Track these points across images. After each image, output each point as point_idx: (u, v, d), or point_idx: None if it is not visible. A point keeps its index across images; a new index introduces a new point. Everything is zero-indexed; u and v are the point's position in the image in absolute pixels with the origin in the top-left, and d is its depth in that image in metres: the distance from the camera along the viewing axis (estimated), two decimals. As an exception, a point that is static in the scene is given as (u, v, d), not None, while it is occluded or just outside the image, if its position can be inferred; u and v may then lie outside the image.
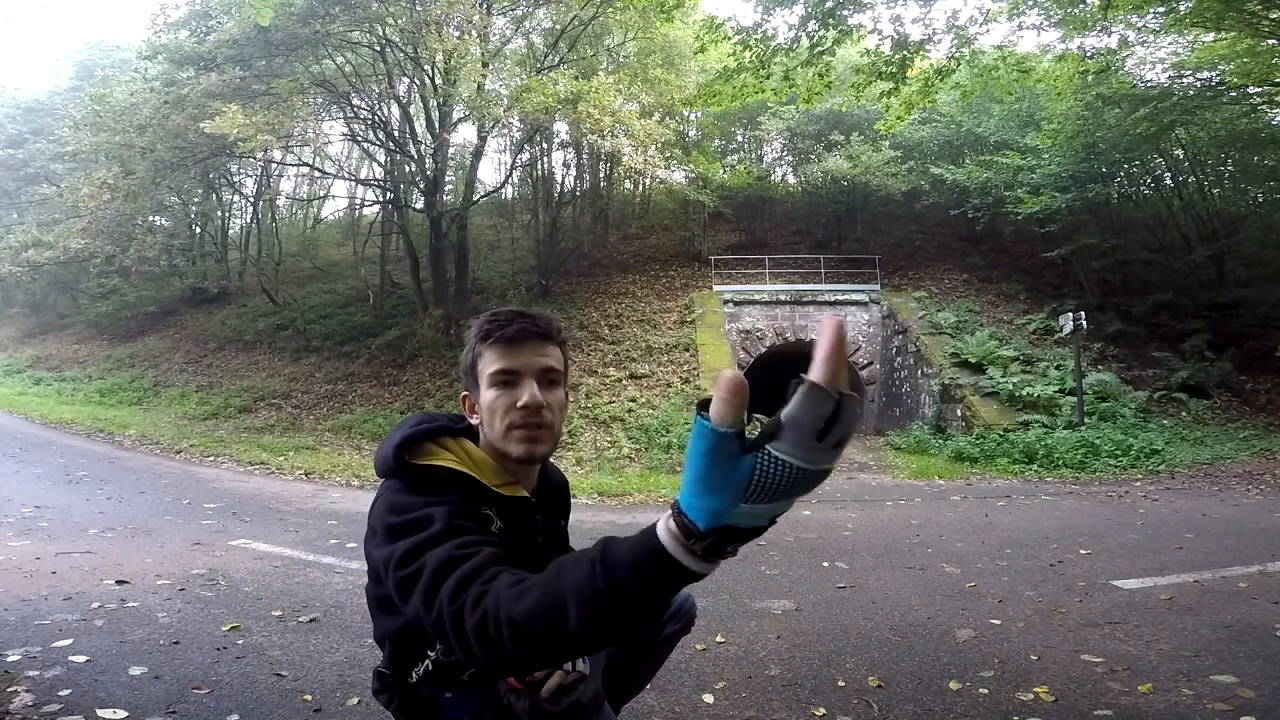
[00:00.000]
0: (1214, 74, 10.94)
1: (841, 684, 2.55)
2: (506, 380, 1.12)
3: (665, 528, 0.69)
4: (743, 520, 0.64)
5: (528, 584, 0.79)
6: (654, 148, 14.07)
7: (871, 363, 14.28)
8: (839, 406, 0.58)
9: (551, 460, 1.32)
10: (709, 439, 0.62)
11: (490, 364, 1.13)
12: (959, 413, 10.82)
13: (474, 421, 1.19)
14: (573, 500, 1.59)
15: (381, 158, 18.59)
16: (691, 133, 20.58)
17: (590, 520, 5.73)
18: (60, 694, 2.32)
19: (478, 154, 17.11)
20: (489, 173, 27.09)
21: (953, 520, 5.71)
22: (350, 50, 14.83)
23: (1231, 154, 13.68)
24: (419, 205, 16.40)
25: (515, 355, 1.12)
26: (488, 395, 1.13)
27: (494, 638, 0.78)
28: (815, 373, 0.59)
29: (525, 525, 1.18)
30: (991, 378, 10.83)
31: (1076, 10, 7.98)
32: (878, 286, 14.85)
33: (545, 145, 19.86)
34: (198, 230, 22.76)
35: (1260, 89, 10.81)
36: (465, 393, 1.21)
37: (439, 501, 1.02)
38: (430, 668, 1.15)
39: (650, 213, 21.26)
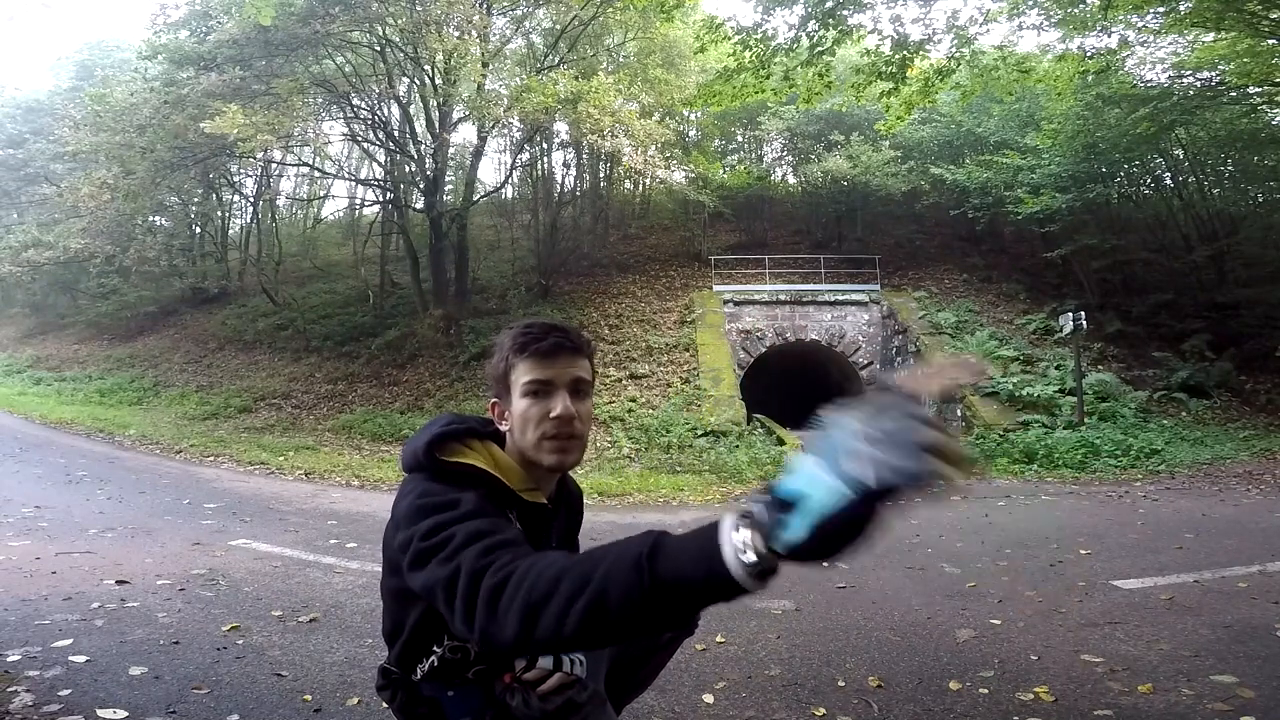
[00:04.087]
0: (1214, 74, 10.92)
1: (841, 684, 2.55)
2: (539, 390, 1.16)
3: (735, 552, 0.68)
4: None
5: (562, 562, 0.81)
6: (654, 148, 14.07)
7: (871, 363, 14.27)
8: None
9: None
10: None
11: (524, 374, 1.16)
12: (959, 413, 10.81)
13: (502, 428, 1.22)
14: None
15: (381, 158, 18.59)
16: (691, 133, 20.58)
17: (590, 520, 5.68)
18: (60, 694, 2.32)
19: (478, 154, 17.11)
20: (489, 173, 27.11)
21: (953, 520, 5.71)
22: (350, 50, 14.82)
23: (1231, 154, 13.67)
24: (419, 205, 16.40)
25: (549, 367, 1.16)
26: (521, 404, 1.17)
27: (504, 603, 0.81)
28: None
29: (542, 531, 1.21)
30: (991, 378, 10.81)
31: (1076, 10, 7.98)
32: (878, 286, 14.84)
33: (545, 145, 19.86)
34: (198, 230, 22.74)
35: (1260, 89, 10.80)
36: (494, 400, 1.24)
37: (467, 490, 1.08)
38: (435, 664, 1.16)
39: (650, 213, 21.25)
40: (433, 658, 1.16)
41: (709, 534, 0.71)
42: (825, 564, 0.97)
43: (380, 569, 1.22)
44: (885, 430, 0.62)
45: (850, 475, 0.62)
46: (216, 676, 2.53)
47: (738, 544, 0.68)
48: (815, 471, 0.65)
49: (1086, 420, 9.49)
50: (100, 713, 2.19)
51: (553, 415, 1.14)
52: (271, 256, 20.79)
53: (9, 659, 2.58)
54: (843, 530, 0.65)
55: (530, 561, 0.84)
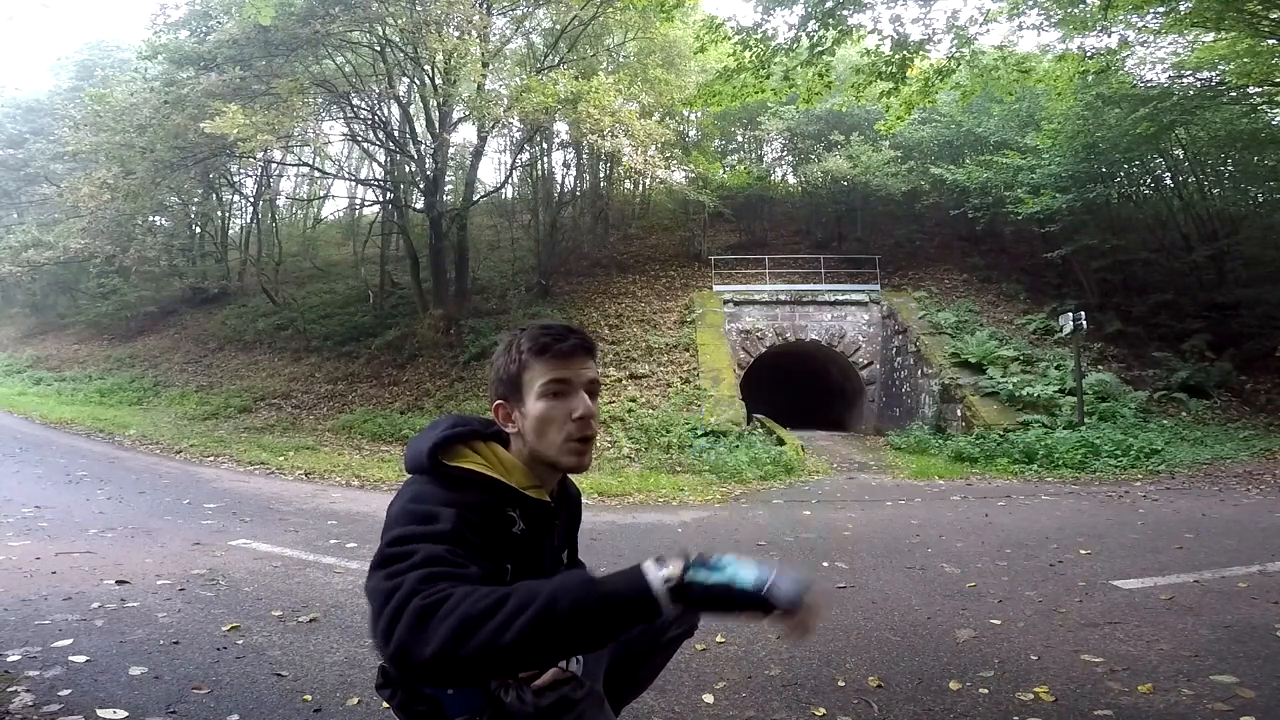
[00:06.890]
0: (1214, 74, 10.92)
1: (841, 684, 2.54)
2: (558, 391, 1.17)
3: (657, 569, 0.89)
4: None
5: (504, 589, 0.88)
6: (654, 148, 14.06)
7: (871, 363, 14.28)
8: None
9: None
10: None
11: (543, 375, 1.17)
12: (959, 413, 10.81)
13: (508, 430, 1.23)
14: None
15: (381, 158, 18.60)
16: (691, 133, 20.57)
17: (590, 520, 5.69)
18: (60, 694, 2.32)
19: (478, 154, 17.12)
20: (489, 173, 27.12)
21: (953, 520, 5.71)
22: (350, 50, 14.82)
23: (1231, 154, 13.66)
24: (419, 205, 16.40)
25: (568, 367, 1.18)
26: (539, 405, 1.17)
27: (435, 620, 0.84)
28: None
29: (545, 527, 1.23)
30: (991, 378, 10.82)
31: (1076, 10, 7.96)
32: (878, 286, 14.84)
33: (545, 145, 19.86)
34: (198, 230, 22.75)
35: (1260, 89, 10.80)
36: (500, 401, 1.23)
37: (457, 502, 1.07)
38: None
39: (650, 213, 21.26)
40: None
41: (635, 568, 0.90)
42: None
43: None
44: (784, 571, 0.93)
45: (766, 570, 0.90)
46: (216, 676, 2.53)
47: (660, 569, 0.89)
48: (741, 560, 0.92)
49: (1086, 420, 9.49)
50: (100, 713, 2.19)
51: (576, 415, 1.16)
52: (271, 256, 20.79)
53: (9, 659, 2.58)
54: (732, 601, 0.88)
55: (472, 586, 0.89)
